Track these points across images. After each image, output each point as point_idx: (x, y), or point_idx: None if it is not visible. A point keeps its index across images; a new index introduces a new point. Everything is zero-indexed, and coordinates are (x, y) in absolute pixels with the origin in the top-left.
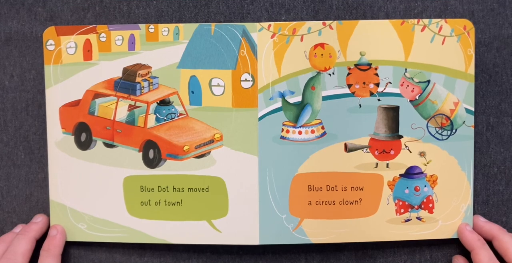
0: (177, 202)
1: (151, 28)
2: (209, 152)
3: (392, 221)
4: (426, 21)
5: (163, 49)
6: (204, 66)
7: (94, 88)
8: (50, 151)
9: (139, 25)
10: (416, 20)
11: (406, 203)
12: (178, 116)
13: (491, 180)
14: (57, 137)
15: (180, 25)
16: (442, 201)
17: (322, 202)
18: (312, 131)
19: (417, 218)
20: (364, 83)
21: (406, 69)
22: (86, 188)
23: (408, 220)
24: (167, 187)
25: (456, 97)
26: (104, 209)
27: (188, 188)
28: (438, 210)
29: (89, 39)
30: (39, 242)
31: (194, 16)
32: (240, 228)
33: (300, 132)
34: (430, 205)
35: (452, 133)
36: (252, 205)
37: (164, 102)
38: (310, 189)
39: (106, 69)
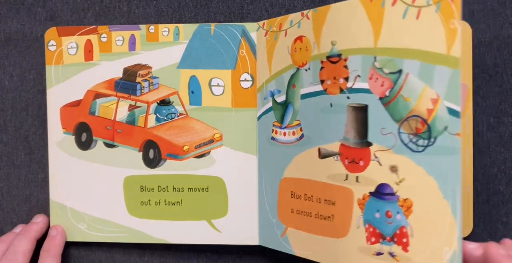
0: (177, 202)
1: (152, 29)
2: (209, 152)
3: (363, 250)
4: None
5: (163, 49)
6: (204, 66)
7: (95, 88)
8: (51, 151)
9: (140, 25)
10: None
11: (377, 231)
12: (178, 116)
13: (491, 180)
14: (57, 137)
15: (180, 25)
16: (418, 237)
17: (302, 212)
18: (293, 133)
19: (389, 253)
20: (334, 78)
21: (375, 58)
22: (86, 188)
23: (379, 253)
24: (167, 187)
25: (435, 91)
26: (104, 209)
27: (188, 188)
28: (414, 248)
29: (90, 40)
30: (39, 242)
31: (194, 16)
32: (240, 228)
33: (284, 133)
34: (404, 239)
35: (430, 143)
36: (251, 205)
37: (164, 102)
38: (292, 196)
39: (107, 69)
